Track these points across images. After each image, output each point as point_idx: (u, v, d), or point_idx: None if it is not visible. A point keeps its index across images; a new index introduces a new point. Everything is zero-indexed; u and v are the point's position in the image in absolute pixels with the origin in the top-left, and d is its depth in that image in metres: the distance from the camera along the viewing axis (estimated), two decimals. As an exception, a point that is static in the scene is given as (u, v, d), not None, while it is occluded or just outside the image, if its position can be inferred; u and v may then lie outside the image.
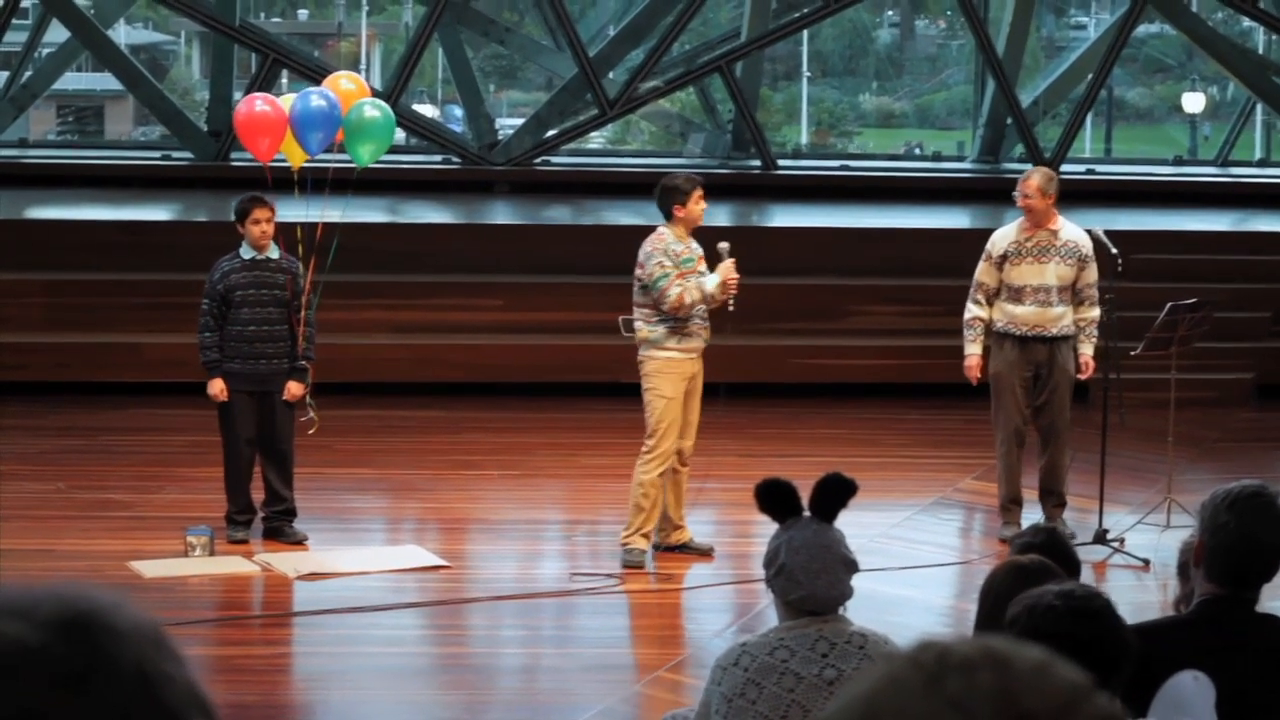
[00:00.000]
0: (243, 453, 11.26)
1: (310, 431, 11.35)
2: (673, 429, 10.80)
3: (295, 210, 11.63)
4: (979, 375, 11.58)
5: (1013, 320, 11.51)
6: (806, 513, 5.24)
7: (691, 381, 10.85)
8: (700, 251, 10.90)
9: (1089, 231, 11.78)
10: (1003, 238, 11.57)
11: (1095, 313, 11.56)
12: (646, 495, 10.82)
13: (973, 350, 11.56)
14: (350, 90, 11.44)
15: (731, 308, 10.76)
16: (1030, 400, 11.61)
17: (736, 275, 10.74)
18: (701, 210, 10.86)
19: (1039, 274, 11.45)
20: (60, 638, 1.49)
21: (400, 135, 21.94)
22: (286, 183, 11.37)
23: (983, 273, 11.60)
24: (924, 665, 1.43)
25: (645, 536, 10.89)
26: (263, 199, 11.21)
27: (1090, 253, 11.53)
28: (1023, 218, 11.56)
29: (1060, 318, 11.48)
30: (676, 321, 10.73)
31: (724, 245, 10.83)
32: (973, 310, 11.61)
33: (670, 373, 10.77)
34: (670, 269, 10.68)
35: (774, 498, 5.24)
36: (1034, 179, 11.56)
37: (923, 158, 22.46)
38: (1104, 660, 4.04)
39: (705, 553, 11.11)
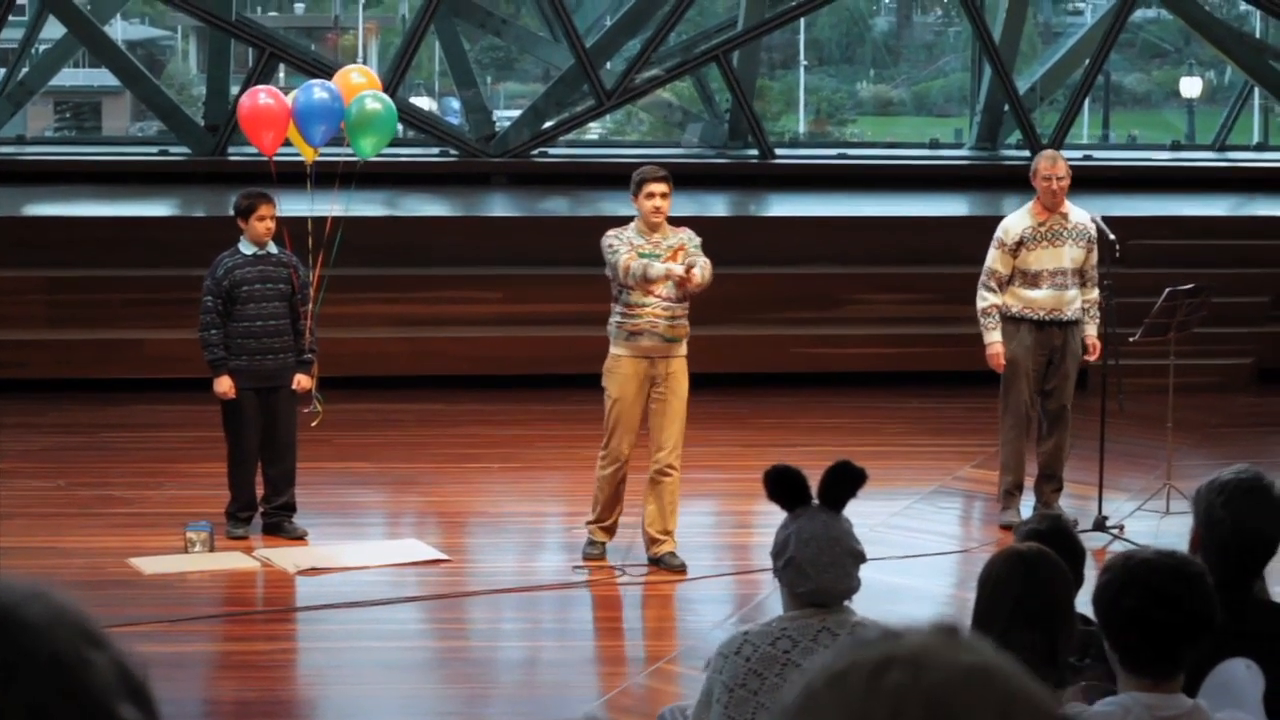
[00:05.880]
0: (249, 450, 11.23)
1: (314, 424, 11.35)
2: (621, 429, 10.63)
3: (302, 205, 11.61)
4: (1004, 362, 11.54)
5: (1029, 305, 11.48)
6: (815, 501, 5.23)
7: (656, 388, 10.61)
8: (677, 245, 10.57)
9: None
10: (1016, 224, 11.51)
11: (1096, 294, 11.59)
12: (601, 489, 10.78)
13: (994, 338, 11.50)
14: (360, 84, 11.38)
15: (664, 293, 10.48)
16: (1040, 385, 11.60)
17: (685, 276, 10.37)
18: (652, 207, 10.51)
19: (1055, 258, 11.43)
20: None
21: (398, 128, 21.97)
22: (292, 177, 11.35)
23: (996, 260, 11.52)
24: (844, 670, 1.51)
25: (605, 530, 10.84)
26: (267, 195, 11.15)
27: (1095, 234, 11.55)
28: (1032, 203, 11.51)
29: (1073, 300, 11.49)
30: (623, 319, 10.59)
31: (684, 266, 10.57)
32: (988, 298, 11.54)
33: (616, 372, 10.65)
34: (620, 245, 10.50)
35: (783, 485, 5.20)
36: (1062, 162, 11.52)
37: (944, 144, 22.42)
38: (1190, 620, 4.05)
39: (677, 569, 10.69)
